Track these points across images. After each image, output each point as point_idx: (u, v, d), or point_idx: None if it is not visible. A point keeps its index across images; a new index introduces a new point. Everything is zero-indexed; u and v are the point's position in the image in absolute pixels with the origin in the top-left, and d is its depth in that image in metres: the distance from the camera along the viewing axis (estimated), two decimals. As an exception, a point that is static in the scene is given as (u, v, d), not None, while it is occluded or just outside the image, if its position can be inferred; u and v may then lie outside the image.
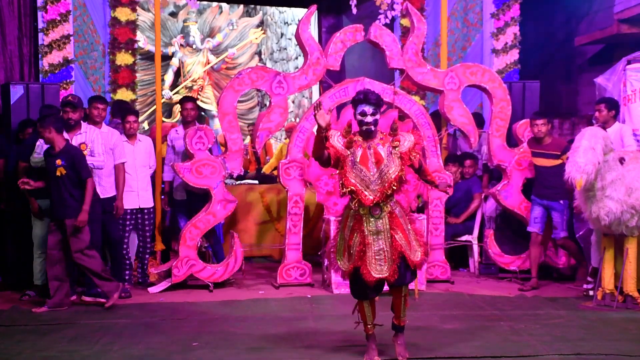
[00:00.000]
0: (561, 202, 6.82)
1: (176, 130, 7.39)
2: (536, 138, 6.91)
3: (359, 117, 4.45)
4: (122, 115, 7.17)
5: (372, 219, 4.42)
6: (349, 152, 4.44)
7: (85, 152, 6.22)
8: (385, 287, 4.55)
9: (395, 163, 4.42)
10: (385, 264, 4.39)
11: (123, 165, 6.74)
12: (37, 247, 6.51)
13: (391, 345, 4.66)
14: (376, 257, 4.39)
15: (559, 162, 6.56)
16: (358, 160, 4.41)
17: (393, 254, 4.39)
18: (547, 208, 6.91)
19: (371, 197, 4.37)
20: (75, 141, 6.26)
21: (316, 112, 4.33)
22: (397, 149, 4.44)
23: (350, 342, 4.92)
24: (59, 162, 5.95)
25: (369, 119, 4.42)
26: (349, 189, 4.41)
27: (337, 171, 4.52)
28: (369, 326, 4.57)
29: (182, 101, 7.61)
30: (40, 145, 6.23)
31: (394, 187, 4.41)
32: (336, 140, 4.45)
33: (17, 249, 6.70)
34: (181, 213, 7.23)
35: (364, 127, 4.44)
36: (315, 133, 4.47)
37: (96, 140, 6.38)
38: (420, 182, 6.98)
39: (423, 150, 4.72)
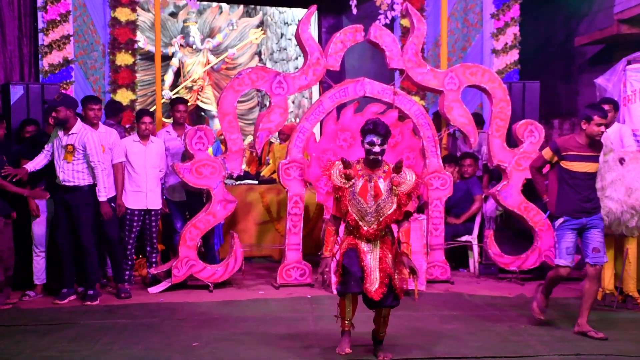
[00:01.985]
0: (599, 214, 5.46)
1: (167, 131, 7.37)
2: (593, 139, 5.35)
3: (367, 146, 4.55)
4: (136, 116, 7.20)
5: (365, 240, 4.58)
6: (350, 184, 4.57)
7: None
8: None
9: (392, 200, 4.54)
10: (373, 280, 4.50)
11: (122, 164, 6.75)
12: (37, 246, 6.54)
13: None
14: (370, 264, 4.52)
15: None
16: (358, 191, 4.54)
17: (381, 275, 4.50)
18: (582, 228, 5.38)
19: (366, 228, 4.54)
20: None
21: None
22: (397, 188, 4.54)
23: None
24: None
25: (377, 148, 4.52)
26: (347, 219, 4.57)
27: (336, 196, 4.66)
28: (346, 322, 4.66)
29: (174, 103, 7.54)
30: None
31: (388, 224, 4.58)
32: (337, 175, 4.61)
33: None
34: (177, 213, 7.23)
35: (371, 157, 4.55)
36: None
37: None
38: (420, 182, 7.04)
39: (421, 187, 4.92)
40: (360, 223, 4.53)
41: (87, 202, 6.29)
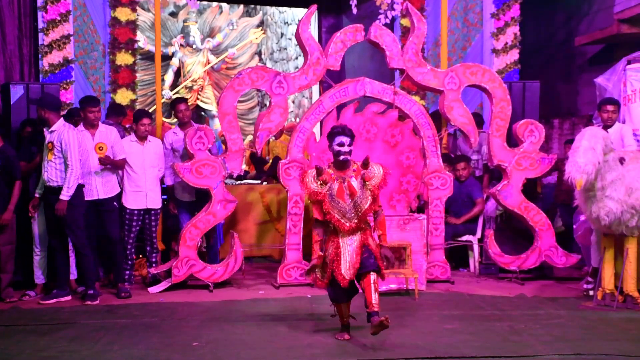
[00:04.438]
0: None
1: (174, 132, 7.36)
2: None
3: (336, 147, 4.90)
4: (135, 117, 7.18)
5: (347, 234, 4.93)
6: (326, 188, 4.91)
7: None
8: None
9: (367, 195, 4.91)
10: (350, 270, 4.88)
11: (123, 160, 6.76)
12: (37, 246, 6.54)
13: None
14: (349, 262, 4.87)
15: None
16: (335, 193, 4.89)
17: (356, 259, 4.87)
18: None
19: (347, 225, 4.89)
20: None
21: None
22: (367, 183, 4.90)
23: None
24: None
25: (346, 148, 4.88)
26: (329, 220, 4.90)
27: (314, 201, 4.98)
28: (344, 319, 5.12)
29: (175, 103, 7.54)
30: None
31: (368, 218, 4.95)
32: (312, 182, 4.94)
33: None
34: (185, 214, 7.21)
35: (341, 157, 4.90)
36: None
37: None
38: (420, 182, 7.05)
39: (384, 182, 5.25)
40: (342, 220, 4.87)
41: (71, 202, 6.20)
